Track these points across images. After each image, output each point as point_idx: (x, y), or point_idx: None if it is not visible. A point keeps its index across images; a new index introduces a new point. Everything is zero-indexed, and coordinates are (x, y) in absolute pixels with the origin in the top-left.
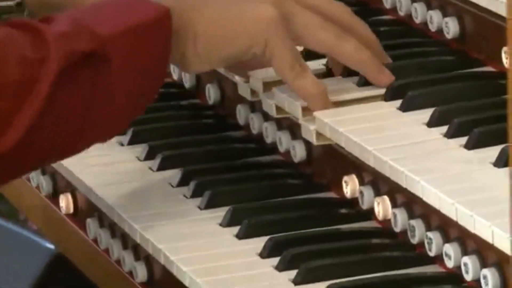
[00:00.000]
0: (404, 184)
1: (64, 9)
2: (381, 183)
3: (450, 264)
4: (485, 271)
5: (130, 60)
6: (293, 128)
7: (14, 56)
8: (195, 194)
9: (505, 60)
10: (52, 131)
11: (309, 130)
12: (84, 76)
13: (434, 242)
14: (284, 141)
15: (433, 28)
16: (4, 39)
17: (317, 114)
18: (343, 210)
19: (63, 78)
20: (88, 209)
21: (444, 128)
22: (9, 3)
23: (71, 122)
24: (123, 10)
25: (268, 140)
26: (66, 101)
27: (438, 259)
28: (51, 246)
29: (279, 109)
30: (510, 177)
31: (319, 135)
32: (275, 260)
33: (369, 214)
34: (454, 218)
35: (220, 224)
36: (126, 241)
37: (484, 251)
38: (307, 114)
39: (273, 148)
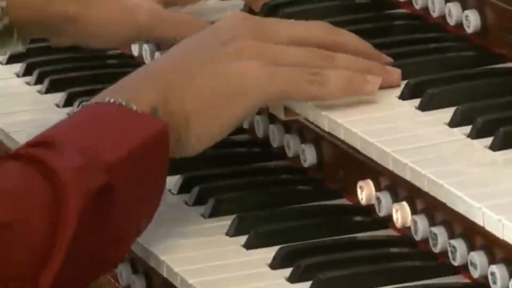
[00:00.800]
0: (425, 188)
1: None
2: (399, 188)
3: (476, 274)
4: None
5: (133, 184)
6: (302, 131)
7: (35, 206)
8: (197, 201)
9: None
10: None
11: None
12: (95, 209)
13: (458, 251)
14: (292, 145)
15: (451, 22)
16: (22, 186)
17: (330, 114)
18: (358, 218)
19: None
20: None
21: (467, 128)
22: None
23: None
24: (123, 129)
25: (275, 144)
26: (85, 235)
27: (463, 268)
28: None
29: (287, 110)
30: None
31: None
32: (287, 271)
33: (387, 221)
34: (481, 224)
35: (226, 234)
36: None
37: None
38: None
39: (279, 153)
